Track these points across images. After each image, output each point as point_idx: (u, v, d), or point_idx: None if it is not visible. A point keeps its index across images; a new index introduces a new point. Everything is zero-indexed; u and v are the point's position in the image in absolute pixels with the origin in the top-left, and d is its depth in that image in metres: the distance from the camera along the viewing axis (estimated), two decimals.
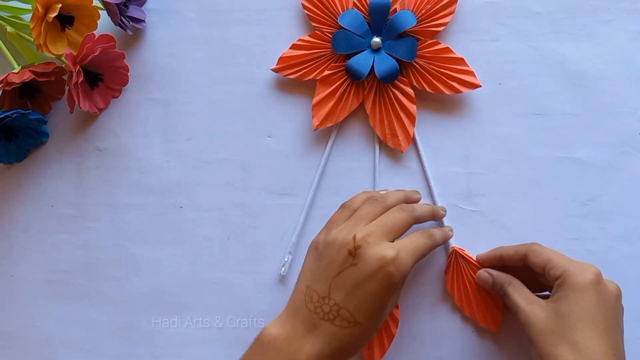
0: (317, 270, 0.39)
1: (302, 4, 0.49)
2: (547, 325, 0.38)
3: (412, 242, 0.40)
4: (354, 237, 0.38)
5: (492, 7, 0.49)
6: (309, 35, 0.49)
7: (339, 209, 0.43)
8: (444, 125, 0.48)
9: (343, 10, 0.48)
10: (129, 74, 0.50)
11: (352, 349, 0.38)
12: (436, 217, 0.45)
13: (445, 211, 0.47)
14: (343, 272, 0.38)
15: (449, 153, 0.48)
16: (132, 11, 0.49)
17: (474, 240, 0.47)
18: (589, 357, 0.36)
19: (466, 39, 0.49)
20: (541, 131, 0.48)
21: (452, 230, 0.46)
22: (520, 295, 0.41)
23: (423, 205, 0.44)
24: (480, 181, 0.48)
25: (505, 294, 0.42)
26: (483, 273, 0.45)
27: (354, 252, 0.38)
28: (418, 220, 0.42)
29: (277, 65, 0.48)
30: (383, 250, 0.38)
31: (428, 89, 0.47)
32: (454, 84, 0.47)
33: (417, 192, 0.46)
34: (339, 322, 0.37)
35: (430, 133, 0.48)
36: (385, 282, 0.37)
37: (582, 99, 0.48)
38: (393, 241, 0.40)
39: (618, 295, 0.39)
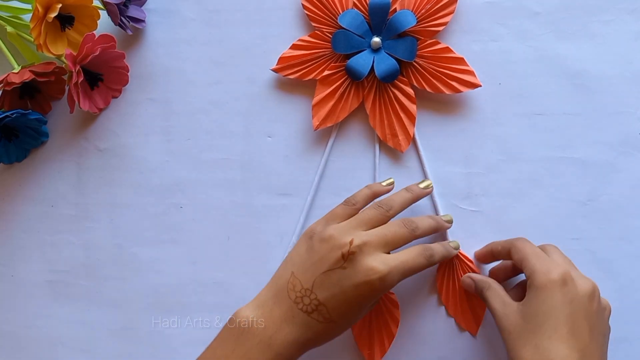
0: (307, 261, 0.39)
1: (302, 4, 0.49)
2: (516, 328, 0.38)
3: (406, 261, 0.39)
4: (351, 242, 0.38)
5: (492, 7, 0.49)
6: (309, 35, 0.49)
7: (342, 203, 0.43)
8: (444, 125, 0.48)
9: (343, 10, 0.48)
10: (129, 74, 0.50)
11: (323, 341, 0.39)
12: (440, 230, 0.45)
13: (451, 222, 0.46)
14: (331, 271, 0.38)
15: (449, 153, 0.48)
16: (132, 11, 0.49)
17: (474, 240, 0.47)
18: None
19: (466, 39, 0.49)
20: (541, 131, 0.48)
21: (457, 248, 0.45)
22: (496, 299, 0.41)
23: (427, 221, 0.43)
24: (480, 181, 0.48)
25: (484, 298, 0.42)
26: (466, 279, 0.45)
27: (347, 257, 0.38)
28: (419, 237, 0.42)
29: (277, 65, 0.48)
30: (375, 262, 0.38)
31: (428, 89, 0.47)
32: (454, 83, 0.47)
33: (427, 184, 0.46)
34: (315, 315, 0.38)
35: (431, 133, 0.48)
36: (367, 293, 0.38)
37: (582, 99, 0.48)
38: (389, 253, 0.40)
39: (590, 294, 0.38)
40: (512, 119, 0.48)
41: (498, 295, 0.41)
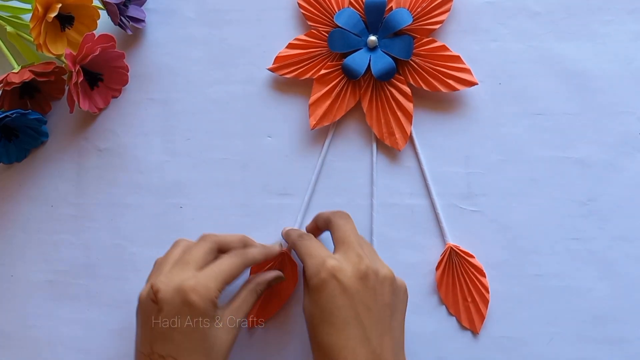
0: None
1: (298, 3, 0.49)
2: (308, 321, 0.38)
3: (215, 266, 0.39)
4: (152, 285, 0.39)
5: (492, 7, 0.49)
6: (305, 35, 0.49)
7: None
8: (443, 125, 0.48)
9: (339, 9, 0.48)
10: (128, 73, 0.50)
11: None
12: (269, 257, 0.44)
13: (282, 246, 0.46)
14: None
15: (449, 153, 0.48)
16: (132, 11, 0.49)
17: (474, 240, 0.47)
18: (330, 356, 0.36)
19: (466, 39, 0.49)
20: (541, 131, 0.48)
21: (280, 245, 0.45)
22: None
23: (255, 248, 0.43)
24: (480, 181, 0.48)
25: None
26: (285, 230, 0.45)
27: (155, 299, 0.38)
28: (250, 263, 0.42)
29: (273, 64, 0.48)
30: (181, 280, 0.38)
31: (425, 87, 0.47)
32: (451, 81, 0.47)
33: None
34: None
35: (430, 133, 0.48)
36: (185, 313, 0.37)
37: (582, 99, 0.48)
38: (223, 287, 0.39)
39: (360, 275, 0.37)
40: (512, 119, 0.48)
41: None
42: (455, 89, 0.47)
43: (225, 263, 0.40)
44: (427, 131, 0.48)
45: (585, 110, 0.47)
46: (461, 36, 0.49)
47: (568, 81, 0.48)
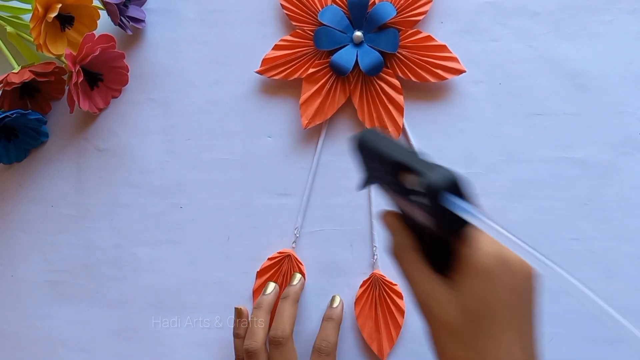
0: None
1: (281, 4, 0.49)
2: (457, 324, 0.29)
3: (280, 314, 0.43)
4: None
5: (492, 7, 0.49)
6: (290, 35, 0.49)
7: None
8: (443, 125, 0.48)
9: (322, 7, 0.48)
10: (128, 74, 0.50)
11: None
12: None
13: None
14: None
15: (449, 153, 0.48)
16: (132, 11, 0.49)
17: None
18: None
19: (466, 39, 0.49)
20: (541, 131, 0.48)
21: (301, 278, 0.47)
22: (417, 272, 0.31)
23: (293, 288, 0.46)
24: (480, 181, 0.48)
25: (395, 261, 0.33)
26: (391, 217, 0.34)
27: None
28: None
29: (261, 67, 0.48)
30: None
31: (413, 79, 0.47)
32: (439, 71, 0.47)
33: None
34: None
35: (430, 133, 0.48)
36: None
37: (582, 99, 0.48)
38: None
39: (531, 274, 0.30)
40: (512, 119, 0.48)
41: (417, 267, 0.31)
42: (443, 78, 0.47)
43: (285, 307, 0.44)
44: (427, 131, 0.48)
45: (585, 110, 0.47)
46: (461, 36, 0.49)
47: (568, 81, 0.48)
